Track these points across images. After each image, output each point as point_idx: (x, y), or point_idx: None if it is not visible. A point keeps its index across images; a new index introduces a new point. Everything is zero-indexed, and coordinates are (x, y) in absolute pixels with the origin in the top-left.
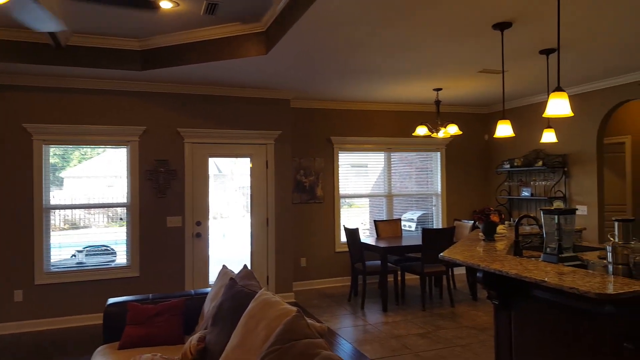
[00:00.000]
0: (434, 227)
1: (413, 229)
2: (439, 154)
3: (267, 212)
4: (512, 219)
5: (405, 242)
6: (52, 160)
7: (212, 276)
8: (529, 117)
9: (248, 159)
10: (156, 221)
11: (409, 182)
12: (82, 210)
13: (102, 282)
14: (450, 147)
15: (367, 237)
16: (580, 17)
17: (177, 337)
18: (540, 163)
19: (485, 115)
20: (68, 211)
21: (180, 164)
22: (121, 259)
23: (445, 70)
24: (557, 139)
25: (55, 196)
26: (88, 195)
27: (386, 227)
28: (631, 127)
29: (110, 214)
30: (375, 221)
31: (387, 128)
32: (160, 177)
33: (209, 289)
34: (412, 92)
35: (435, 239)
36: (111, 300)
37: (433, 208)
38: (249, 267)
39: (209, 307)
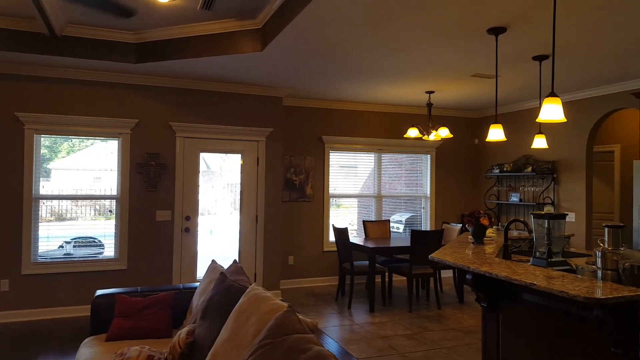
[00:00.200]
0: (423, 229)
1: (401, 230)
2: (429, 156)
3: (257, 209)
4: (499, 224)
5: (393, 243)
6: (40, 151)
7: (200, 271)
8: (519, 122)
9: (239, 156)
10: (146, 215)
11: (398, 183)
12: (71, 202)
13: (90, 274)
14: (440, 150)
15: (354, 237)
16: (573, 25)
17: (165, 330)
18: (529, 169)
19: (476, 120)
20: (56, 203)
21: (171, 158)
22: (109, 251)
23: (438, 73)
24: (547, 146)
25: (43, 187)
26: (75, 187)
27: (375, 227)
28: (621, 136)
29: (98, 207)
30: (364, 221)
31: (379, 129)
32: (151, 171)
33: (197, 283)
34: (404, 94)
35: (424, 241)
36: (99, 292)
37: (422, 210)
38: None
39: (197, 301)
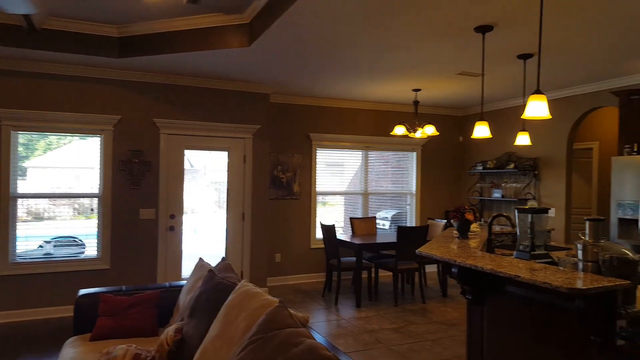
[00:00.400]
0: (408, 225)
1: (387, 227)
2: (415, 154)
3: (244, 207)
4: (482, 219)
5: (380, 240)
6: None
7: (185, 270)
8: (502, 120)
9: (225, 153)
10: (129, 213)
11: (384, 181)
12: (49, 201)
13: (71, 274)
14: (426, 148)
15: (341, 234)
16: (557, 25)
17: (151, 329)
18: (512, 166)
19: (461, 118)
20: (33, 202)
21: (155, 155)
22: (91, 250)
23: (425, 71)
24: (531, 142)
25: (19, 187)
26: (53, 186)
27: (362, 224)
28: (599, 134)
29: (78, 206)
30: (351, 218)
31: (366, 126)
32: (134, 168)
33: (184, 282)
34: (391, 92)
35: (410, 237)
36: (83, 291)
37: (407, 207)
38: None
39: (184, 299)
